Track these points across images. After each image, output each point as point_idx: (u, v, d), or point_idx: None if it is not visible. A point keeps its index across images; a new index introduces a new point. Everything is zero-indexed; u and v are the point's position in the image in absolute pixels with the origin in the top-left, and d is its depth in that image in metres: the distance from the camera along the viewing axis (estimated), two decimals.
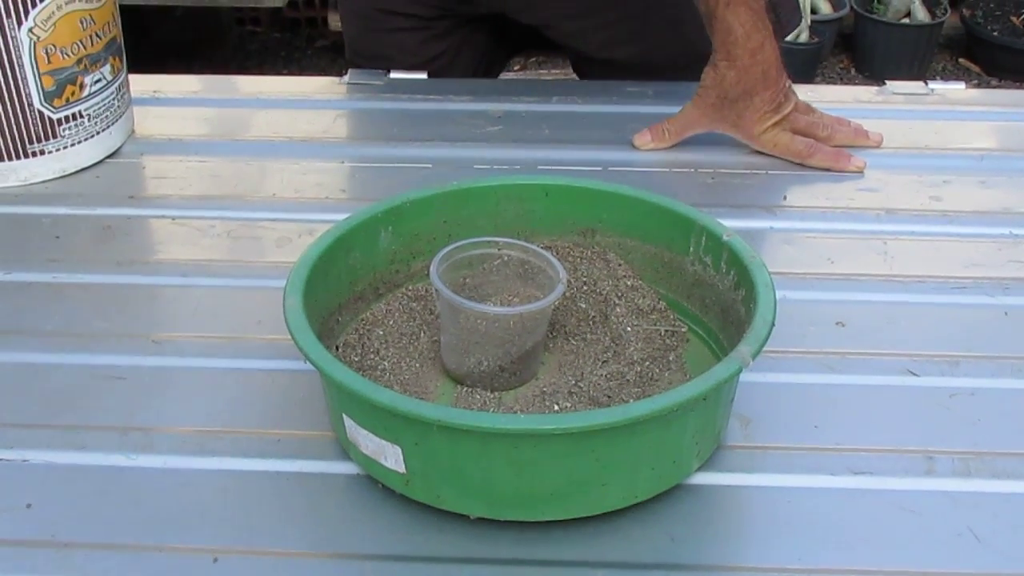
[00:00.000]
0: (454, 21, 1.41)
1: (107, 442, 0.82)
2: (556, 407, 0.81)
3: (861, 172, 1.17)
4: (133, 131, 1.23)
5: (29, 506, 0.77)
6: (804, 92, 1.28)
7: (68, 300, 0.97)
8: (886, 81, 1.36)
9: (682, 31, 1.33)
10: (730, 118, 1.17)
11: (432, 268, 0.84)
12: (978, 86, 3.62)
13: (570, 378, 0.85)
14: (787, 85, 1.18)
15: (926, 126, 1.26)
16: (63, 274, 1.00)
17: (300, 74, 3.65)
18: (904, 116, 1.28)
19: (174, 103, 1.30)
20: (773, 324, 0.77)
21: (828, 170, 1.17)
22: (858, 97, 1.33)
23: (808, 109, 1.21)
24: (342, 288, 0.88)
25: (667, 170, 1.17)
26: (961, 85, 1.36)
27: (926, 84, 1.35)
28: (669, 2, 1.35)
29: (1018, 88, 3.59)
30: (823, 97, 1.29)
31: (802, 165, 1.17)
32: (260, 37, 3.86)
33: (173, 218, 1.08)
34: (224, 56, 3.70)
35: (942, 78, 3.63)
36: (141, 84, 1.29)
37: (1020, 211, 1.11)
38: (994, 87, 3.60)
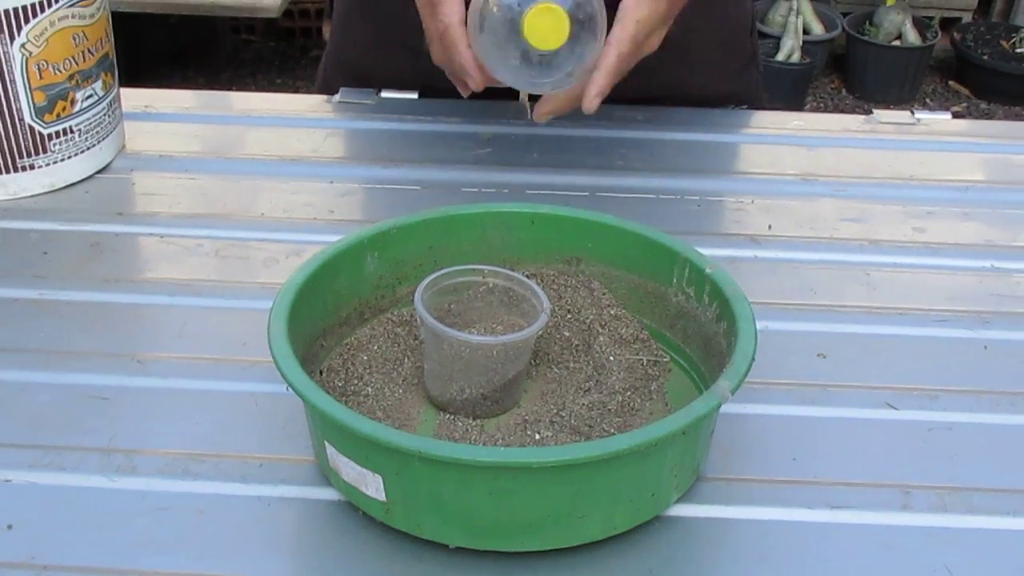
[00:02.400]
0: None
1: (89, 463, 0.82)
2: (537, 436, 0.82)
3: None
4: (124, 146, 1.23)
5: (10, 527, 0.77)
6: (792, 119, 1.29)
7: (54, 317, 0.98)
8: (873, 110, 1.37)
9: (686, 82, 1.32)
10: None
11: (416, 296, 0.85)
12: (968, 109, 3.64)
13: (552, 407, 0.85)
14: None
15: (912, 157, 1.27)
16: (49, 291, 1.00)
17: (294, 83, 3.66)
18: (890, 146, 1.29)
19: (165, 118, 1.30)
20: (753, 359, 0.78)
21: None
22: (846, 126, 1.34)
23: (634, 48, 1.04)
24: (327, 313, 0.88)
25: (654, 196, 1.18)
26: (947, 115, 1.37)
27: (912, 114, 1.36)
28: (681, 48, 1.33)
29: (1006, 110, 3.62)
30: (812, 125, 1.31)
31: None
32: (255, 46, 3.87)
33: (161, 236, 1.09)
34: (218, 64, 3.71)
35: (932, 100, 3.66)
36: (133, 99, 1.30)
37: (1001, 244, 1.12)
38: (983, 110, 3.62)
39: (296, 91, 3.51)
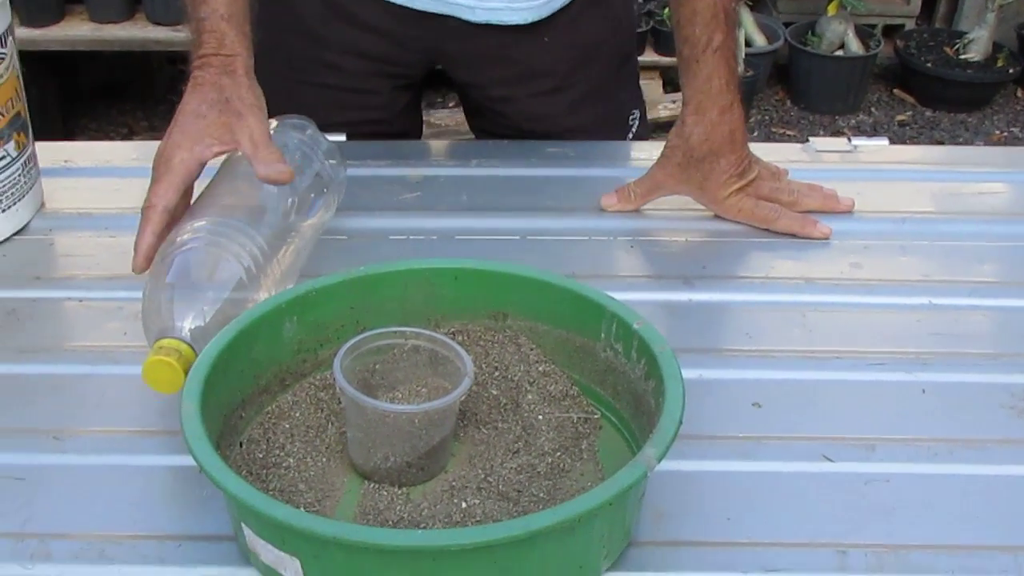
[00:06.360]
0: (389, 82, 1.39)
1: (2, 550, 0.79)
2: (464, 504, 0.80)
3: (827, 238, 1.15)
4: (43, 204, 1.20)
5: None
6: None
7: None
8: (810, 138, 1.36)
9: (614, 105, 1.32)
10: (696, 179, 1.16)
11: (336, 363, 0.82)
12: (913, 117, 3.65)
13: (479, 471, 0.83)
14: (750, 153, 1.17)
15: (848, 188, 1.25)
16: None
17: None
18: (827, 176, 1.27)
19: (85, 173, 1.27)
20: (680, 422, 0.75)
21: (794, 236, 1.15)
22: (783, 156, 1.32)
23: (774, 176, 1.20)
24: (246, 382, 0.85)
25: (586, 238, 1.16)
26: (884, 141, 1.36)
27: (849, 140, 1.35)
28: (606, 76, 1.35)
29: (951, 118, 3.63)
30: None
31: (766, 231, 1.16)
32: None
33: (80, 300, 1.06)
34: (155, 96, 3.66)
35: (877, 109, 3.66)
36: (51, 153, 1.26)
37: (939, 279, 1.10)
38: (929, 118, 3.62)
39: None
